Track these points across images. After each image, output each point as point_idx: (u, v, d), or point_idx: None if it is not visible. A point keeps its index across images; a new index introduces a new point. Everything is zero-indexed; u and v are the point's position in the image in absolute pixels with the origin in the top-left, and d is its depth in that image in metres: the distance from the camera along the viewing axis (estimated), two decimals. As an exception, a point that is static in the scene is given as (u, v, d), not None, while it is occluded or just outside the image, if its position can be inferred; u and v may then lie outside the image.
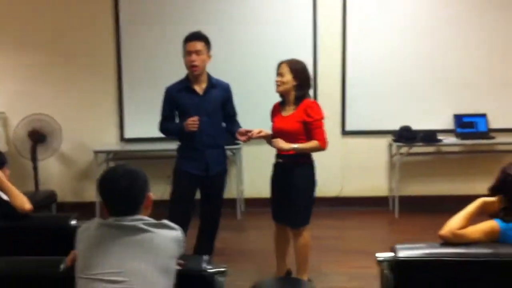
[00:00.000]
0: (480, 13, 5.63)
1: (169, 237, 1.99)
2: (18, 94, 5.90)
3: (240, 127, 3.79)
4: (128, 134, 5.93)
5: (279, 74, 3.52)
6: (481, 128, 5.59)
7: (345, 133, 5.83)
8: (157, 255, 1.94)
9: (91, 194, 5.68)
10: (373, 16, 5.68)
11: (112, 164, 5.48)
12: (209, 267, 2.10)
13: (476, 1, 5.64)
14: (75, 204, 5.70)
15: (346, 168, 5.88)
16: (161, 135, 3.96)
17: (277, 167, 3.66)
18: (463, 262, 2.14)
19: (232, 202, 5.58)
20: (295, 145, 3.43)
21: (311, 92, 3.70)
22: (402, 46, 5.68)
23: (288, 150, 3.46)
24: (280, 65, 3.54)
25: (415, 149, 5.56)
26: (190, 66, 3.65)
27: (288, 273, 3.82)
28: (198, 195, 3.89)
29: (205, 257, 2.14)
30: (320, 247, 4.41)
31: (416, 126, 5.49)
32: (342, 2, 5.67)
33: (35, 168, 5.62)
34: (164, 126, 3.84)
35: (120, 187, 2.00)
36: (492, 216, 2.29)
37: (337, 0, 5.67)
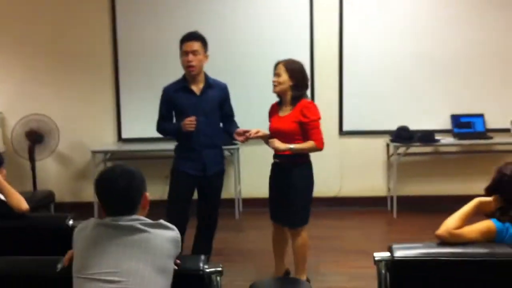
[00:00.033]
0: (479, 14, 5.64)
1: (166, 237, 1.99)
2: (15, 94, 5.90)
3: (237, 127, 3.79)
4: (125, 134, 5.94)
5: (276, 74, 3.53)
6: (479, 128, 5.60)
7: (342, 133, 5.84)
8: (155, 255, 1.94)
9: (89, 194, 5.68)
10: (370, 16, 5.69)
11: (109, 164, 5.48)
12: (206, 266, 2.10)
13: (475, 1, 5.65)
14: (73, 204, 5.71)
15: (344, 168, 5.88)
16: (159, 135, 3.96)
17: (274, 167, 3.67)
18: (460, 262, 2.15)
19: (230, 202, 5.58)
20: (291, 146, 3.44)
21: (308, 92, 3.71)
22: (399, 46, 5.69)
23: (284, 151, 3.47)
24: (277, 65, 3.55)
25: (413, 149, 5.58)
26: (187, 66, 3.65)
27: (287, 273, 3.82)
28: (196, 195, 3.89)
29: (202, 257, 2.14)
30: (318, 247, 4.42)
31: (413, 126, 5.50)
32: (339, 2, 5.68)
33: (33, 168, 5.62)
34: (162, 126, 3.84)
35: (117, 187, 2.00)
36: (488, 216, 2.30)
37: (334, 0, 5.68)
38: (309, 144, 3.46)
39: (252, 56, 5.71)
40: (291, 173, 3.53)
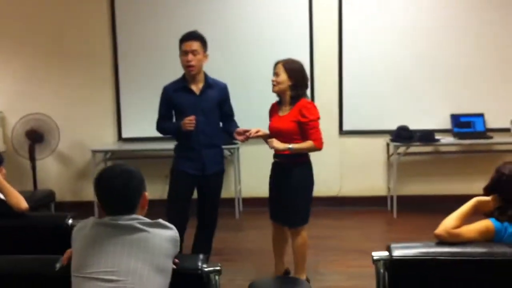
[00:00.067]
0: (478, 14, 5.63)
1: (165, 236, 2.00)
2: (16, 93, 5.91)
3: (237, 126, 3.80)
4: (125, 134, 5.95)
5: (275, 74, 3.53)
6: (479, 128, 5.60)
7: (342, 133, 5.83)
8: (153, 254, 1.94)
9: (89, 193, 5.69)
10: (370, 16, 5.69)
11: (110, 163, 5.49)
12: (204, 266, 2.10)
13: (474, 1, 5.64)
14: (73, 204, 5.72)
15: (344, 168, 5.88)
16: (159, 134, 3.97)
17: (274, 166, 3.67)
18: (458, 261, 2.14)
19: (231, 201, 5.59)
20: (290, 145, 3.44)
21: (308, 92, 3.71)
22: (399, 46, 5.69)
23: (283, 150, 3.47)
24: (276, 65, 3.55)
25: (413, 149, 5.57)
26: (187, 66, 3.65)
27: (287, 272, 3.82)
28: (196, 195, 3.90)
29: (201, 256, 2.14)
30: (318, 247, 4.43)
31: (413, 125, 5.50)
32: (338, 2, 5.68)
33: (33, 168, 5.62)
34: (161, 125, 3.84)
35: (116, 187, 2.01)
36: (487, 215, 2.30)
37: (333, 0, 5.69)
38: (308, 144, 3.46)
39: (252, 56, 5.71)
40: (291, 172, 3.53)
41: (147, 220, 2.01)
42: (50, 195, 5.50)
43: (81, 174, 6.02)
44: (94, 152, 5.61)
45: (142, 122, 5.61)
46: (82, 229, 2.04)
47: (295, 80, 3.49)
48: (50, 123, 5.59)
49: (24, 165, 5.70)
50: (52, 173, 6.00)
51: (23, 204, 2.88)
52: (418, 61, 5.68)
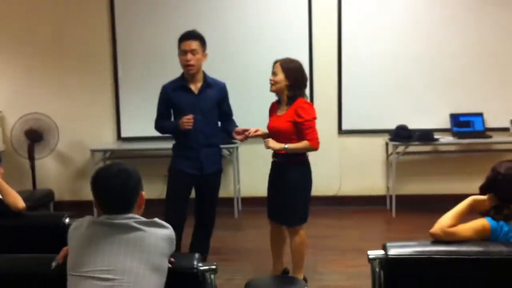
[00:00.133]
0: (476, 13, 5.63)
1: (161, 235, 2.00)
2: (15, 93, 5.92)
3: (236, 126, 3.80)
4: (124, 133, 5.95)
5: (273, 73, 3.53)
6: (478, 127, 5.59)
7: (341, 132, 5.83)
8: (149, 253, 1.94)
9: (88, 192, 5.57)
10: (369, 15, 5.69)
11: (109, 163, 5.48)
12: (200, 264, 2.10)
13: (473, 1, 5.64)
14: (72, 203, 5.73)
15: (343, 167, 5.88)
16: (158, 134, 3.97)
17: (274, 165, 3.67)
18: (454, 260, 2.14)
19: (229, 201, 5.59)
20: (286, 145, 3.44)
21: (307, 91, 3.70)
22: (398, 45, 5.68)
23: (279, 150, 3.47)
24: (274, 64, 3.55)
25: (412, 148, 5.57)
26: (185, 65, 3.65)
27: (285, 272, 3.82)
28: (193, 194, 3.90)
29: (197, 255, 2.15)
30: (317, 246, 4.43)
31: (412, 125, 5.50)
32: (337, 2, 5.68)
33: (32, 167, 5.63)
34: (160, 124, 3.85)
35: (113, 186, 2.02)
36: (482, 214, 2.30)
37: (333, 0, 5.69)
38: (304, 144, 3.45)
39: (251, 56, 5.71)
40: (289, 172, 3.53)
41: (143, 219, 2.02)
42: (49, 194, 5.52)
43: (80, 174, 6.03)
44: (93, 151, 5.61)
45: (141, 121, 5.61)
46: (78, 228, 2.04)
47: (293, 80, 3.48)
48: (49, 122, 5.59)
49: (23, 164, 5.71)
50: (51, 172, 6.00)
51: (20, 203, 2.89)
52: (417, 61, 5.68)
